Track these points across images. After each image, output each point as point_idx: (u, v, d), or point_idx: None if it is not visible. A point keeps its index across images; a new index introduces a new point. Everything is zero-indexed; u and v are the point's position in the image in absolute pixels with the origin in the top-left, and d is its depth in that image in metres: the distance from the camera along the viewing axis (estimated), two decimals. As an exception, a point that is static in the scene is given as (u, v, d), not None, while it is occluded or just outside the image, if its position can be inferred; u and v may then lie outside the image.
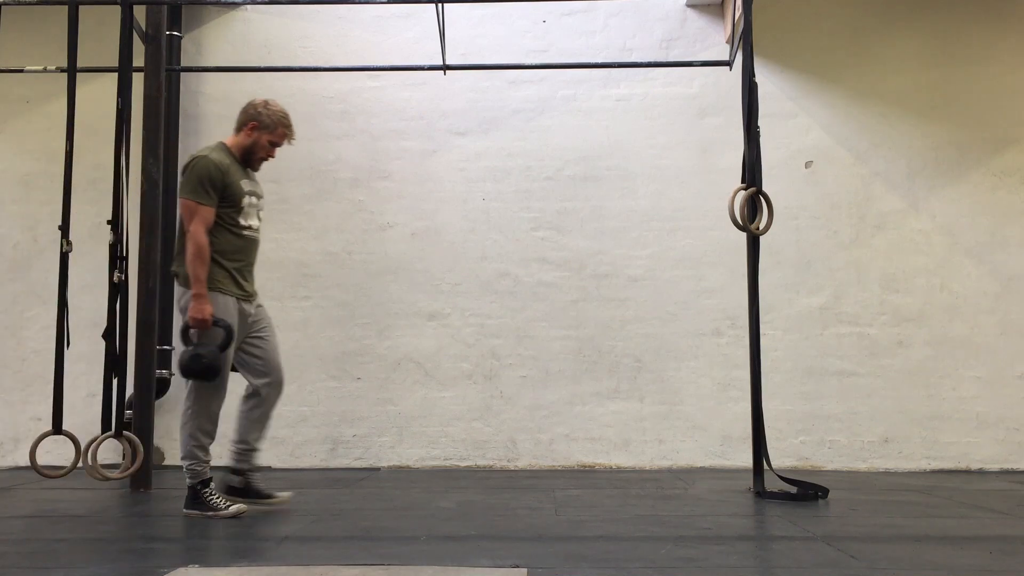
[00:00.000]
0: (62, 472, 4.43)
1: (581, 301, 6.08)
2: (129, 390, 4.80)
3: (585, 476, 5.52)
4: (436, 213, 6.18)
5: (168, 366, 5.96)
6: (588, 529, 3.49)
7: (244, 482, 3.98)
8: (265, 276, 6.13)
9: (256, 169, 4.10)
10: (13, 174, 6.29)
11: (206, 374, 3.76)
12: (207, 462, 3.90)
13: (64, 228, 4.54)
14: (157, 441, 5.68)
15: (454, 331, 6.09)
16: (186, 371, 3.77)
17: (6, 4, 5.06)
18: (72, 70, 4.66)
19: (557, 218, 6.14)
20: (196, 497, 3.84)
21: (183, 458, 3.90)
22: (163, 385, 5.89)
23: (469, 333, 6.08)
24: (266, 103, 4.04)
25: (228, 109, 6.28)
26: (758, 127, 4.60)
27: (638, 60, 6.09)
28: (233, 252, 3.89)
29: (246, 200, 3.95)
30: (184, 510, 3.88)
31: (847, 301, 6.01)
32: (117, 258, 4.47)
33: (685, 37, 6.25)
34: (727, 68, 5.60)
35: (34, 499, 4.50)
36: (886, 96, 6.14)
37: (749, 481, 4.65)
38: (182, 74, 6.19)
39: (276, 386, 4.09)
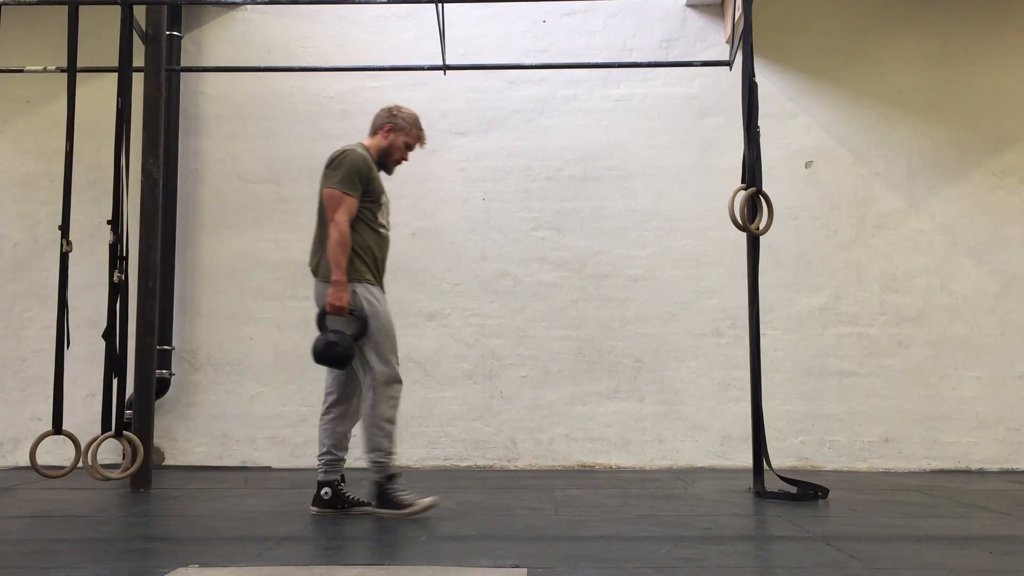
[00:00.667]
0: (62, 472, 4.43)
1: (581, 301, 6.08)
2: (129, 390, 4.80)
3: (585, 476, 5.52)
4: (436, 213, 6.18)
5: (168, 366, 5.96)
6: (588, 529, 3.49)
7: (332, 494, 3.85)
8: (265, 276, 6.16)
9: (390, 172, 4.11)
10: (13, 174, 6.29)
11: (338, 362, 3.72)
12: (392, 455, 3.81)
13: (64, 228, 4.54)
14: (157, 441, 5.68)
15: (454, 331, 6.09)
16: (319, 357, 3.71)
17: (6, 4, 5.06)
18: (72, 70, 4.66)
19: (557, 218, 6.14)
20: (383, 493, 3.76)
21: (368, 451, 3.78)
22: (163, 385, 5.89)
23: (469, 333, 6.08)
24: (399, 107, 4.08)
25: (228, 109, 6.35)
26: (758, 127, 4.60)
27: (638, 60, 6.09)
28: (371, 247, 3.90)
29: (384, 198, 3.99)
30: (375, 509, 3.78)
31: (847, 301, 6.01)
32: (117, 258, 4.48)
33: (685, 37, 6.25)
34: (727, 68, 5.60)
35: (34, 499, 4.50)
36: (886, 96, 6.14)
37: (749, 481, 4.65)
38: (182, 74, 6.19)
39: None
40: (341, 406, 3.91)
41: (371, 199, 3.90)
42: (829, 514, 3.92)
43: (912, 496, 4.57)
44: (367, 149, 3.99)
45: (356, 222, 3.83)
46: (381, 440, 3.74)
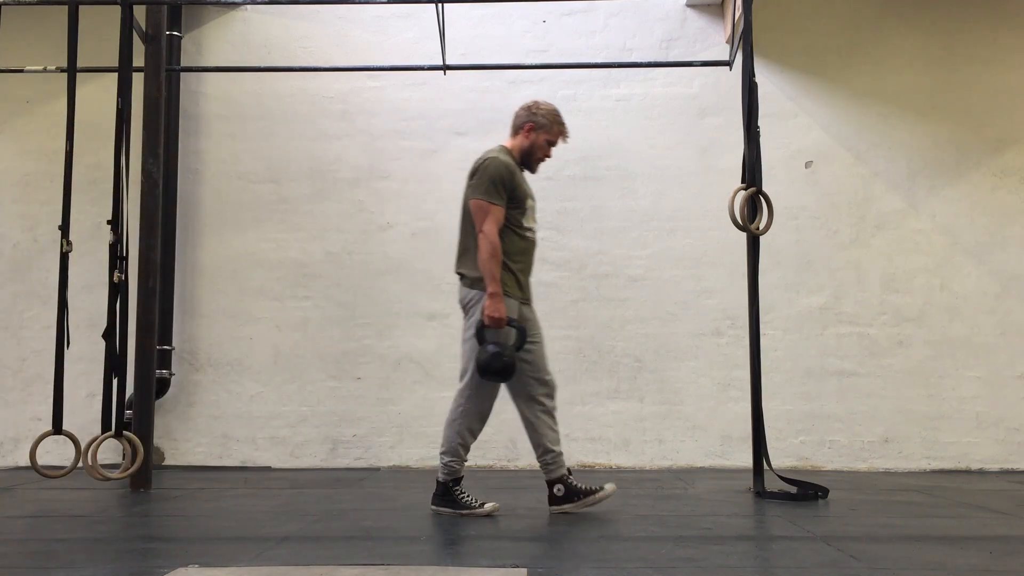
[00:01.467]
0: (62, 472, 4.43)
1: (581, 301, 6.08)
2: (129, 390, 4.80)
3: (585, 476, 5.51)
4: (436, 213, 6.17)
5: (168, 366, 5.96)
6: (588, 529, 3.49)
7: (564, 489, 3.90)
8: (265, 276, 6.16)
9: (534, 171, 4.11)
10: (13, 174, 6.29)
11: (504, 373, 3.73)
12: (465, 462, 3.88)
13: (64, 228, 4.54)
14: (157, 441, 5.69)
15: (454, 331, 6.06)
16: (485, 369, 3.71)
17: (6, 4, 5.06)
18: (72, 70, 4.66)
19: (557, 218, 6.14)
20: (447, 494, 3.83)
21: (444, 453, 3.86)
22: (163, 385, 5.89)
23: (469, 333, 6.07)
24: (537, 104, 4.05)
25: (228, 109, 6.35)
26: (758, 127, 4.60)
27: (638, 60, 6.09)
28: (517, 254, 3.91)
29: (529, 202, 4.00)
30: (432, 507, 3.87)
31: (847, 301, 6.01)
32: (117, 258, 4.48)
33: (685, 37, 6.25)
34: (727, 68, 5.60)
35: (34, 499, 4.50)
36: (886, 96, 6.14)
37: (749, 481, 4.66)
38: (182, 74, 6.19)
39: (553, 389, 4.00)
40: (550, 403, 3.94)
41: (515, 204, 3.90)
42: (829, 514, 3.92)
43: (912, 496, 4.57)
44: (509, 151, 3.98)
45: (502, 229, 3.84)
46: (459, 447, 3.84)
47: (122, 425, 4.50)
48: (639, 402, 5.99)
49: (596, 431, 5.98)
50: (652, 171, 6.15)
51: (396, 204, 6.21)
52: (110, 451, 5.57)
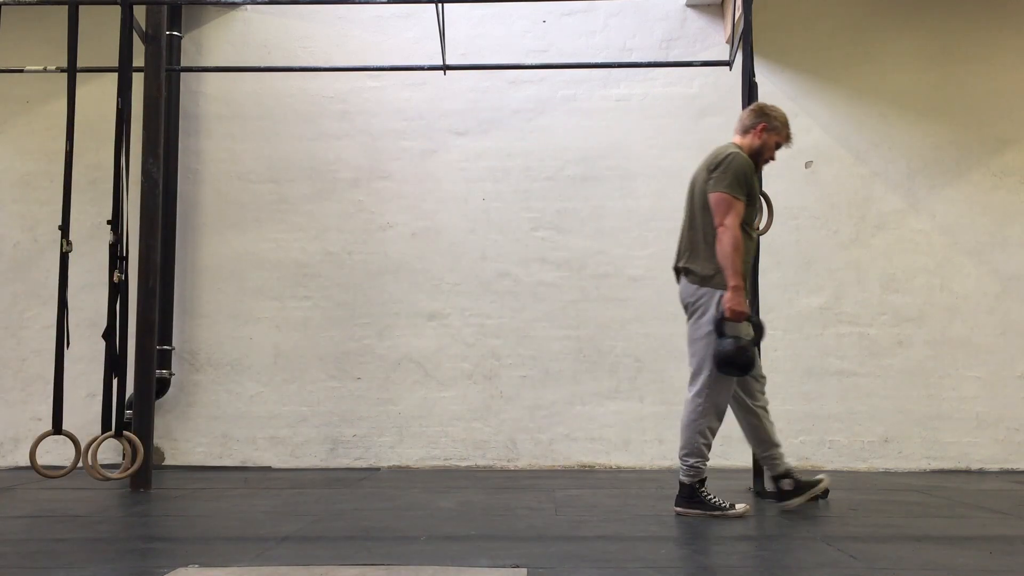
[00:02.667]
0: (62, 472, 4.43)
1: (581, 301, 6.08)
2: (129, 390, 4.80)
3: (585, 476, 5.52)
4: (436, 213, 6.18)
5: (168, 366, 5.96)
6: (588, 529, 3.49)
7: (793, 483, 3.95)
8: (265, 276, 6.16)
9: (758, 172, 4.11)
10: (13, 174, 6.29)
11: (747, 367, 3.72)
12: (708, 461, 3.85)
13: (64, 228, 4.54)
14: (157, 441, 5.69)
15: (454, 331, 6.09)
16: (729, 362, 3.67)
17: (6, 4, 5.06)
18: (72, 70, 4.66)
19: (557, 218, 6.14)
20: (694, 496, 3.79)
21: (687, 455, 3.81)
22: (163, 385, 5.89)
23: (469, 333, 6.08)
24: (769, 106, 4.08)
25: (228, 109, 6.35)
26: (758, 127, 4.59)
27: (638, 60, 6.09)
28: (745, 252, 3.85)
29: (759, 201, 4.00)
30: (676, 508, 3.83)
31: (847, 301, 6.01)
32: (117, 258, 4.48)
33: (685, 37, 6.25)
34: (727, 68, 5.60)
35: (34, 499, 4.50)
36: (886, 96, 6.14)
37: (749, 481, 4.66)
38: (182, 74, 6.19)
39: (764, 384, 4.05)
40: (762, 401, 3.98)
41: (749, 202, 3.88)
42: (829, 514, 3.92)
43: (912, 496, 4.57)
44: (740, 149, 3.96)
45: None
46: (703, 447, 3.80)
47: (122, 425, 4.50)
48: (639, 402, 5.99)
49: (596, 431, 5.98)
50: (652, 171, 6.15)
51: (396, 204, 6.21)
52: (110, 451, 5.57)
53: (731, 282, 3.68)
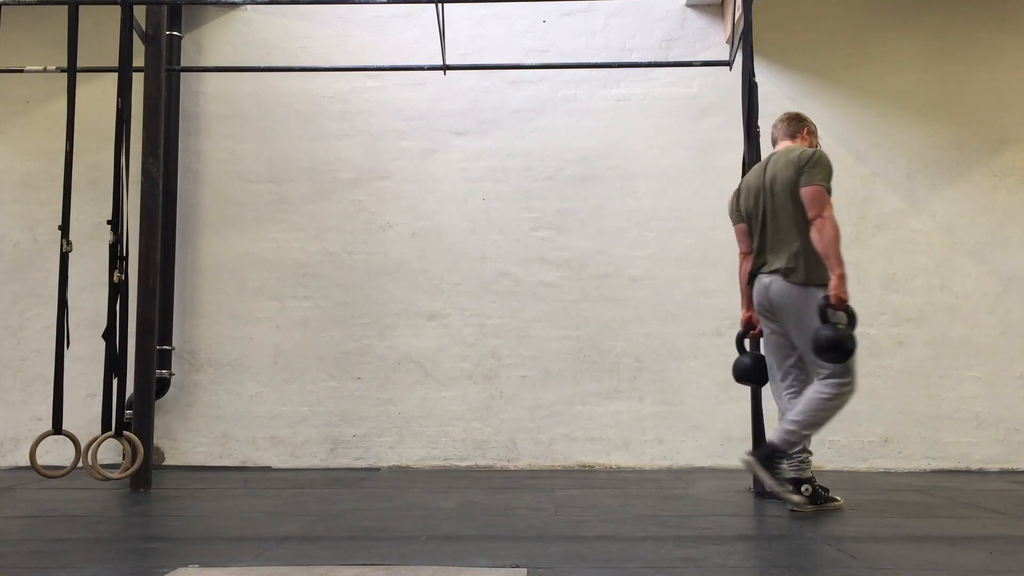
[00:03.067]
0: (62, 472, 4.43)
1: (581, 301, 6.08)
2: (129, 390, 4.80)
3: (585, 476, 5.52)
4: (436, 213, 6.18)
5: (168, 366, 5.96)
6: (588, 529, 3.49)
7: (811, 489, 3.98)
8: (265, 276, 6.16)
9: None
10: (13, 174, 6.29)
11: (852, 352, 3.78)
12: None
13: (64, 228, 4.54)
14: (157, 441, 5.69)
15: (454, 331, 6.09)
16: (835, 348, 3.73)
17: (6, 4, 5.06)
18: (72, 70, 4.67)
19: (557, 218, 6.14)
20: (773, 459, 3.86)
21: (804, 427, 3.87)
22: (163, 385, 5.89)
23: (469, 333, 6.08)
24: (802, 113, 4.27)
25: (228, 109, 6.35)
26: (758, 127, 4.60)
27: (638, 60, 6.09)
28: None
29: None
30: (750, 457, 3.87)
31: (847, 301, 6.00)
32: (117, 258, 4.48)
33: (685, 37, 6.25)
34: (727, 68, 5.60)
35: (34, 499, 4.50)
36: (886, 96, 6.14)
37: (749, 481, 4.66)
38: (182, 74, 6.19)
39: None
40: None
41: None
42: (829, 514, 3.92)
43: (912, 496, 4.57)
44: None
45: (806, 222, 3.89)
46: (809, 431, 3.89)
47: (122, 425, 4.50)
48: (639, 402, 5.99)
49: (596, 431, 5.98)
50: (652, 171, 6.15)
51: (396, 204, 6.21)
52: (110, 451, 5.58)
53: (837, 270, 3.76)
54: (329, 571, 2.68)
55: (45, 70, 5.47)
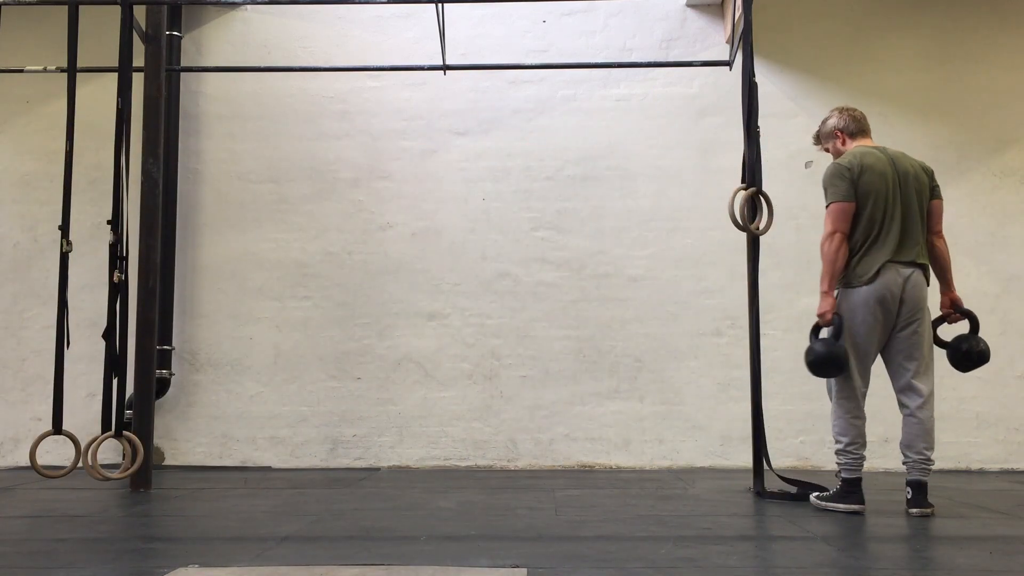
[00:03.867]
0: (62, 472, 4.43)
1: (581, 301, 6.08)
2: (129, 390, 4.79)
3: (585, 476, 5.52)
4: (436, 213, 6.18)
5: (168, 366, 5.96)
6: (588, 529, 3.49)
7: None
8: (265, 276, 6.16)
9: None
10: (13, 174, 6.29)
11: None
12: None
13: (64, 228, 4.54)
14: (157, 441, 5.69)
15: (454, 331, 6.09)
16: (979, 357, 4.24)
17: (6, 4, 5.06)
18: (72, 70, 4.67)
19: (557, 218, 6.14)
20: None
21: (931, 455, 4.06)
22: (163, 385, 5.89)
23: (469, 333, 6.08)
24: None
25: (228, 109, 6.35)
26: (758, 127, 4.60)
27: (638, 60, 6.09)
28: None
29: None
30: (925, 509, 3.91)
31: (847, 301, 6.00)
32: (117, 258, 4.48)
33: (685, 37, 6.25)
34: (727, 68, 5.60)
35: (34, 499, 4.50)
36: (886, 96, 6.14)
37: (749, 481, 4.66)
38: (182, 74, 6.19)
39: None
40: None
41: None
42: (829, 514, 3.92)
43: (912, 496, 4.56)
44: None
45: None
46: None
47: (122, 425, 4.50)
48: (639, 402, 5.99)
49: (596, 431, 5.98)
50: (652, 171, 6.15)
51: (396, 204, 6.21)
52: (110, 451, 5.57)
53: (953, 285, 4.21)
54: (329, 571, 2.68)
55: (45, 70, 5.47)
